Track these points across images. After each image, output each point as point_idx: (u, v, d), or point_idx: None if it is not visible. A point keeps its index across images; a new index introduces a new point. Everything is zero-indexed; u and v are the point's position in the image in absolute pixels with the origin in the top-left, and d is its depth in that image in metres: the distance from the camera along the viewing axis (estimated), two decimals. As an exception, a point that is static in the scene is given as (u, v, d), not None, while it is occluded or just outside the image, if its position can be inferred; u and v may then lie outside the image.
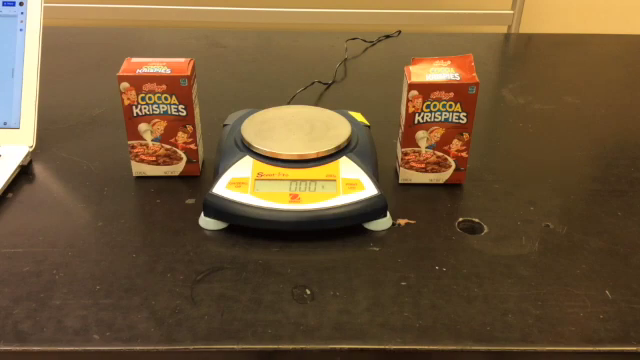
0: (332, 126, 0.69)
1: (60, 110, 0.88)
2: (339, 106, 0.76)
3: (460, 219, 0.66)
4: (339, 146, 0.66)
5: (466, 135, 0.68)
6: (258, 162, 0.65)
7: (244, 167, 0.64)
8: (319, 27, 1.27)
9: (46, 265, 0.59)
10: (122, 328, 0.52)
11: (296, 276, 0.58)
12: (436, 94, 0.65)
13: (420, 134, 0.68)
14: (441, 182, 0.71)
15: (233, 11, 1.25)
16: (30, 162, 0.75)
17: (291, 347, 0.51)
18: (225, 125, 0.74)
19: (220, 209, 0.62)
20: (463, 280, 0.58)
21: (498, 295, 0.56)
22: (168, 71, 0.66)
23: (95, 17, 1.25)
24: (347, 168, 0.65)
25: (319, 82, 0.98)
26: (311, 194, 0.62)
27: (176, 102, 0.67)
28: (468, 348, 0.51)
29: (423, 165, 0.70)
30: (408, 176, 0.71)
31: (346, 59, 1.09)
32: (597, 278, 0.58)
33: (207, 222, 0.64)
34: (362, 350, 0.51)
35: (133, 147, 0.70)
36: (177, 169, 0.72)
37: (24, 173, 0.73)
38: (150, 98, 0.67)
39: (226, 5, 1.25)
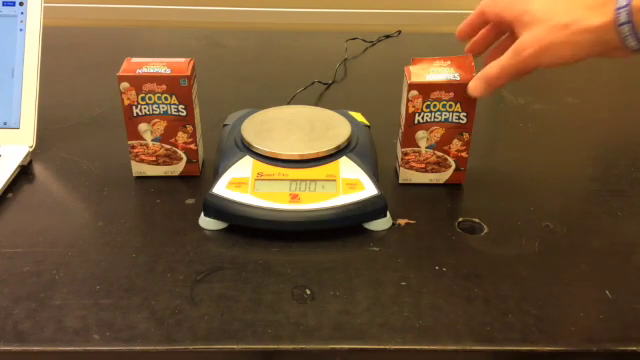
0: (332, 126, 0.69)
1: (60, 110, 0.88)
2: (339, 106, 0.76)
3: (460, 219, 0.66)
4: (339, 146, 0.66)
5: (466, 135, 0.68)
6: (258, 162, 0.65)
7: (244, 167, 0.64)
8: (319, 27, 1.27)
9: (46, 265, 0.59)
10: (122, 328, 0.52)
11: (296, 276, 0.58)
12: (436, 94, 0.65)
13: (420, 134, 0.68)
14: (441, 182, 0.71)
15: (233, 11, 1.25)
16: (30, 162, 0.75)
17: (291, 347, 0.51)
18: (225, 125, 0.74)
19: (220, 209, 0.62)
20: (463, 280, 0.58)
21: (498, 295, 0.56)
22: (168, 71, 0.66)
23: (95, 17, 1.25)
24: (347, 168, 0.65)
25: (319, 82, 0.98)
26: (311, 194, 0.62)
27: (176, 102, 0.67)
28: (468, 348, 0.51)
29: (423, 165, 0.70)
30: (408, 176, 0.71)
31: (346, 59, 1.09)
32: (597, 278, 0.58)
33: (207, 222, 0.64)
34: (362, 350, 0.51)
35: (133, 147, 0.70)
36: (177, 169, 0.72)
37: (24, 173, 0.73)
38: (150, 98, 0.67)
39: (226, 5, 1.25)
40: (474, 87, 0.63)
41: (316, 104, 0.92)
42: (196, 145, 0.71)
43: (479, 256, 0.61)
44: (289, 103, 0.89)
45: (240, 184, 0.63)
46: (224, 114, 0.78)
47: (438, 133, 0.68)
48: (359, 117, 0.75)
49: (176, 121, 0.69)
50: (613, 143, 0.83)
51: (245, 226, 0.62)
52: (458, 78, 0.65)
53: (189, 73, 0.67)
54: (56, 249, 0.61)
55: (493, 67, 0.60)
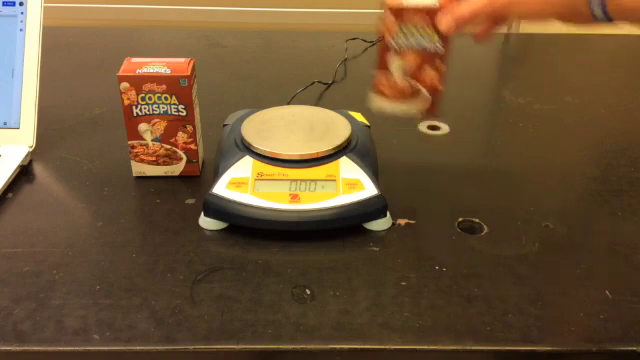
0: (332, 126, 0.69)
1: (60, 110, 0.88)
2: (339, 106, 0.76)
3: (460, 219, 0.66)
4: (339, 146, 0.66)
5: (439, 63, 0.63)
6: (258, 162, 0.65)
7: (244, 167, 0.64)
8: (319, 27, 1.27)
9: (46, 265, 0.59)
10: (122, 328, 0.52)
11: (296, 276, 0.58)
12: (411, 19, 0.61)
13: (394, 60, 0.64)
14: (413, 112, 0.66)
15: (233, 11, 1.25)
16: (30, 162, 0.75)
17: (291, 347, 0.51)
18: (225, 125, 0.74)
19: (220, 209, 0.62)
20: (463, 280, 0.58)
21: (498, 295, 0.56)
22: (168, 71, 0.66)
23: (95, 17, 1.25)
24: (347, 168, 0.65)
25: (319, 82, 0.98)
26: (311, 194, 0.62)
27: (176, 102, 0.67)
28: (468, 348, 0.51)
29: (396, 94, 0.66)
30: (379, 103, 0.66)
31: (346, 59, 1.09)
32: (597, 278, 0.58)
33: (207, 222, 0.64)
34: (362, 350, 0.51)
35: (133, 147, 0.70)
36: (177, 169, 0.72)
37: (24, 173, 0.73)
38: (150, 98, 0.67)
39: (226, 5, 1.25)
40: (443, 23, 0.60)
41: (316, 104, 0.92)
42: (196, 145, 0.71)
43: (479, 256, 0.61)
44: (289, 103, 0.89)
45: (240, 184, 0.63)
46: (224, 114, 0.78)
47: (411, 60, 0.64)
48: (359, 117, 0.75)
49: (176, 121, 0.69)
50: (613, 143, 0.83)
51: (245, 226, 0.62)
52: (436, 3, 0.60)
53: (189, 73, 0.67)
54: (56, 249, 0.61)
55: (464, 8, 0.59)
